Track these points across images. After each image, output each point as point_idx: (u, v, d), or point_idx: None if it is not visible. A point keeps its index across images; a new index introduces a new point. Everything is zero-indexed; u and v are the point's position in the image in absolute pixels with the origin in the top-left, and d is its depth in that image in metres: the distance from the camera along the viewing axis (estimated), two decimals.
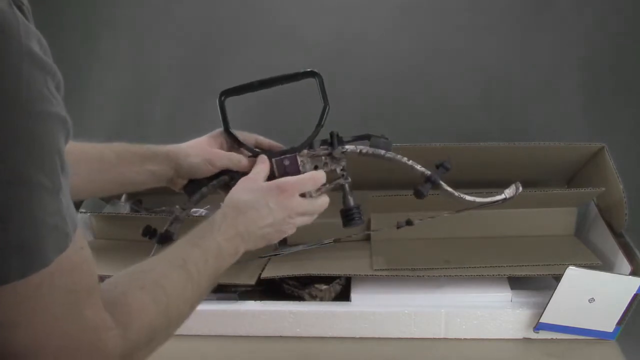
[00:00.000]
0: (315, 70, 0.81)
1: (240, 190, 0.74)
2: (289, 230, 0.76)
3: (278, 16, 1.50)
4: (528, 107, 1.41)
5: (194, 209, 1.17)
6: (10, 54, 0.40)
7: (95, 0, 1.59)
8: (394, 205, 1.05)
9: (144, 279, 0.56)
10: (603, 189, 0.99)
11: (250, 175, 0.77)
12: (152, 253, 0.79)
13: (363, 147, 0.82)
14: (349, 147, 0.82)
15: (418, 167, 0.81)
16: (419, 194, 0.80)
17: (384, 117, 1.36)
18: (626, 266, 0.92)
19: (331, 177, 0.81)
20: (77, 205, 1.18)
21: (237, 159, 0.81)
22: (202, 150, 0.81)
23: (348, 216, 0.81)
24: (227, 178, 0.81)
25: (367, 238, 1.09)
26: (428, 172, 0.81)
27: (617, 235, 0.99)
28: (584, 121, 1.37)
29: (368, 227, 1.08)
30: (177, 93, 1.55)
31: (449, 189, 0.81)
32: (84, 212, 1.17)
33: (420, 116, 1.42)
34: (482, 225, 1.06)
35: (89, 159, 0.76)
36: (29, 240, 0.41)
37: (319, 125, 0.81)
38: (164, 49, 1.56)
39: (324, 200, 0.79)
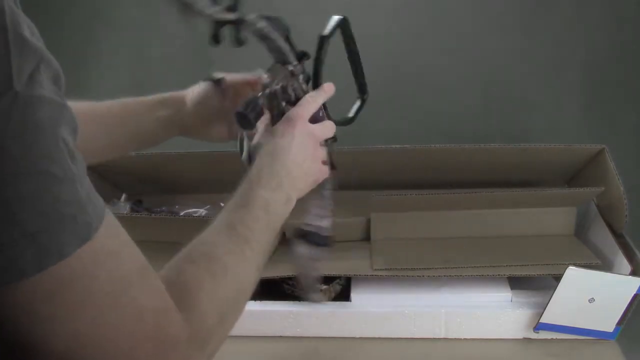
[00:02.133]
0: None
1: (262, 141, 0.70)
2: (321, 157, 0.72)
3: (277, 15, 1.50)
4: (528, 107, 1.41)
5: (194, 209, 1.17)
6: None
7: (95, 0, 1.59)
8: (394, 205, 1.05)
9: (194, 253, 0.53)
10: (603, 188, 0.99)
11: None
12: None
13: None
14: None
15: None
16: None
17: (383, 118, 1.36)
18: (626, 266, 0.92)
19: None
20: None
21: (241, 76, 0.79)
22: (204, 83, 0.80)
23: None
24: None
25: (367, 238, 1.09)
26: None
27: (617, 236, 0.99)
28: (584, 122, 1.37)
29: (368, 227, 1.08)
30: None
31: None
32: None
33: (420, 117, 1.42)
34: (482, 225, 1.06)
35: (98, 116, 0.74)
36: (43, 232, 0.38)
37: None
38: (164, 48, 1.56)
39: (330, 123, 0.75)
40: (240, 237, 0.56)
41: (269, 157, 0.66)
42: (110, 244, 0.42)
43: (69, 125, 0.42)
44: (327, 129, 0.74)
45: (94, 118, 0.74)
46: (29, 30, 0.41)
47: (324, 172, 0.73)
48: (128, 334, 0.42)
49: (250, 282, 0.56)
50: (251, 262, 0.56)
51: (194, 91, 0.80)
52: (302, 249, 0.75)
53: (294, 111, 0.71)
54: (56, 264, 0.39)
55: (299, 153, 0.68)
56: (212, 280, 0.51)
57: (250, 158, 0.72)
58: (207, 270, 0.51)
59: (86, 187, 0.42)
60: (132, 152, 0.80)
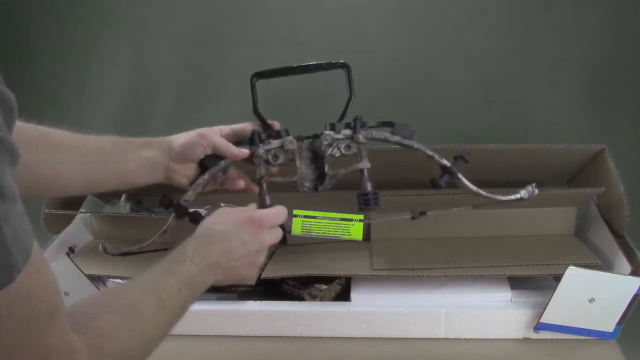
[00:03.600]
0: (346, 62, 0.83)
1: (215, 220, 0.72)
2: (258, 264, 0.74)
3: (278, 15, 1.50)
4: (528, 108, 1.41)
5: (194, 210, 1.17)
6: None
7: (95, 0, 1.59)
8: (395, 205, 1.05)
9: (118, 304, 0.55)
10: (603, 188, 0.99)
11: (230, 209, 0.75)
12: (167, 224, 0.79)
13: (388, 135, 0.83)
14: (375, 133, 0.82)
15: (437, 157, 0.82)
16: (436, 185, 0.81)
17: (383, 118, 1.36)
18: (626, 266, 0.92)
19: (348, 160, 0.82)
20: (78, 204, 1.18)
21: (225, 144, 0.81)
22: (194, 131, 0.82)
23: (365, 200, 0.81)
24: (224, 164, 0.81)
25: (367, 238, 1.09)
26: (448, 163, 0.81)
27: (617, 236, 0.99)
28: (584, 122, 1.37)
29: (368, 227, 1.08)
30: (177, 93, 1.56)
31: (466, 182, 0.81)
32: (84, 212, 1.17)
33: (421, 117, 1.41)
34: (482, 225, 1.06)
35: (86, 149, 0.75)
36: None
37: (343, 115, 0.83)
38: (164, 48, 1.56)
39: (279, 233, 0.77)
40: (161, 303, 0.59)
41: (214, 238, 0.69)
42: (28, 284, 0.42)
43: (8, 158, 0.41)
44: (276, 237, 0.76)
45: (84, 151, 0.75)
46: None
47: (251, 277, 0.75)
48: None
49: (155, 343, 0.58)
50: (162, 327, 0.59)
51: (182, 137, 0.82)
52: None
53: (261, 215, 0.74)
54: None
55: (240, 254, 0.70)
56: (128, 333, 0.53)
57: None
58: (126, 323, 0.53)
59: (14, 224, 0.41)
60: (113, 189, 0.81)
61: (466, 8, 1.43)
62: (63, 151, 0.72)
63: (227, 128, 0.83)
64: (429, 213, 0.86)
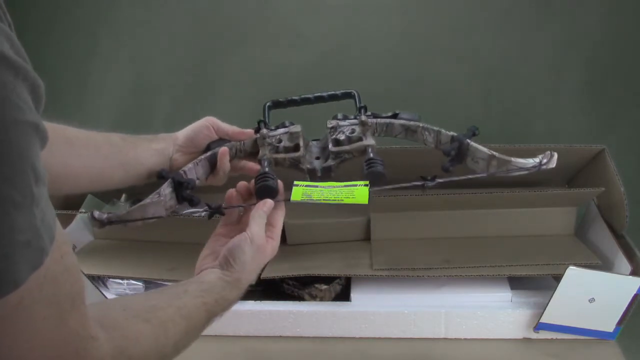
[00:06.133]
0: (354, 90, 0.85)
1: (243, 253, 0.71)
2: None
3: (279, 15, 1.50)
4: (528, 108, 1.41)
5: (194, 210, 1.17)
6: None
7: (95, 0, 1.59)
8: (394, 205, 1.05)
9: (152, 314, 0.57)
10: (603, 188, 0.99)
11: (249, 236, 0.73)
12: (161, 190, 0.78)
13: (393, 119, 0.83)
14: (379, 120, 0.82)
15: (444, 130, 0.80)
16: (446, 153, 0.79)
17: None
18: (626, 266, 0.92)
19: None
20: (78, 204, 1.18)
21: (229, 126, 0.82)
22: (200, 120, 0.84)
23: (371, 163, 0.77)
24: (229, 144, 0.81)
25: (367, 238, 1.09)
26: (456, 134, 0.79)
27: (617, 236, 0.99)
28: (584, 122, 1.37)
29: (368, 227, 1.08)
30: (177, 93, 1.56)
31: (478, 146, 0.78)
32: (84, 212, 1.17)
33: (420, 117, 1.42)
34: (482, 225, 1.06)
35: (98, 144, 0.77)
36: (1, 261, 0.39)
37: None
38: (164, 48, 1.56)
39: (274, 246, 0.76)
40: (188, 329, 0.61)
41: (237, 278, 0.70)
42: (54, 268, 0.43)
43: (40, 143, 0.42)
44: (275, 249, 0.76)
45: (94, 145, 0.76)
46: (9, 44, 0.40)
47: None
48: (55, 355, 0.44)
49: (172, 357, 0.60)
50: (180, 348, 0.60)
51: (187, 129, 0.85)
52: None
53: (262, 240, 0.72)
54: (9, 293, 0.40)
55: (256, 270, 0.72)
56: (153, 344, 0.55)
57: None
58: (154, 335, 0.55)
59: (44, 206, 0.42)
60: (119, 183, 0.82)
61: (466, 8, 1.43)
62: (77, 146, 0.74)
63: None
64: (439, 180, 0.81)
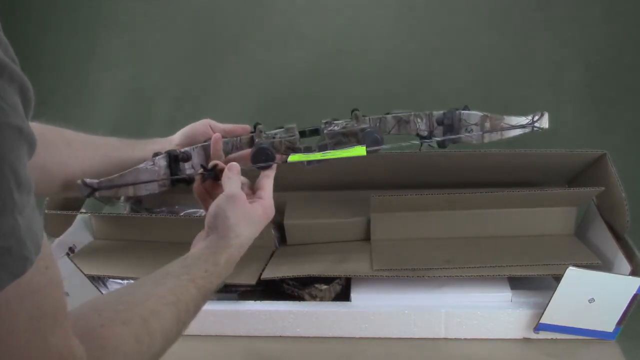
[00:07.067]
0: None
1: (229, 214, 0.70)
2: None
3: (279, 14, 1.50)
4: (528, 108, 1.41)
5: (194, 209, 1.17)
6: None
7: (95, 0, 1.59)
8: (394, 205, 1.05)
9: (131, 312, 0.53)
10: (603, 188, 0.99)
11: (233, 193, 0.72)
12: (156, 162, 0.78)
13: (384, 116, 0.85)
14: (371, 116, 0.84)
15: (435, 112, 0.84)
16: (439, 122, 0.81)
17: None
18: (626, 266, 0.92)
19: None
20: (78, 205, 1.18)
21: (226, 125, 0.84)
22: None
23: (365, 131, 0.80)
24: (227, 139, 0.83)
25: (367, 238, 1.09)
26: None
27: (618, 238, 0.99)
28: (584, 124, 1.37)
29: (368, 227, 1.08)
30: (177, 93, 1.56)
31: (471, 111, 0.80)
32: (84, 212, 1.17)
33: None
34: (482, 225, 1.06)
35: (97, 145, 0.78)
36: None
37: None
38: (164, 48, 1.56)
39: (266, 205, 0.75)
40: (178, 315, 0.57)
41: (226, 241, 0.69)
42: (37, 280, 0.41)
43: (26, 148, 0.40)
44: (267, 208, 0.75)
45: (93, 146, 0.78)
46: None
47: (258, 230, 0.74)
48: None
49: (160, 354, 0.56)
50: (172, 339, 0.57)
51: (184, 128, 0.87)
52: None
53: (237, 192, 0.72)
54: None
55: (241, 225, 0.70)
56: (134, 347, 0.51)
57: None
58: (134, 336, 0.51)
59: (29, 215, 0.40)
60: None
61: (466, 8, 1.43)
62: (75, 146, 0.75)
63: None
64: (436, 138, 0.82)
